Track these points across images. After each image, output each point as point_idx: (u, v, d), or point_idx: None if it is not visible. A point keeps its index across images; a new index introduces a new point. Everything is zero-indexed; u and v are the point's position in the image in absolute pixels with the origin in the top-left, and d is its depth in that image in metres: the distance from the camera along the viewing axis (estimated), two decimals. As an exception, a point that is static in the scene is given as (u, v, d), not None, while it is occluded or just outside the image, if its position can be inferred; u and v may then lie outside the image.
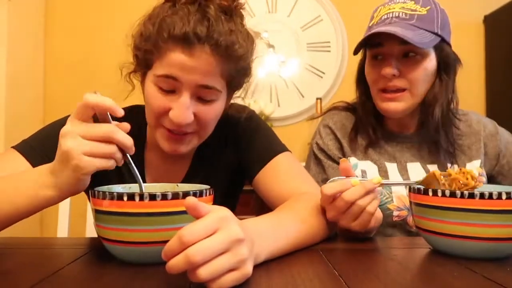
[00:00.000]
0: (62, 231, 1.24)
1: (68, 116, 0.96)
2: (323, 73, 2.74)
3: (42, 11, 2.73)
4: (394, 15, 1.08)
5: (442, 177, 0.79)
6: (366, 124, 1.18)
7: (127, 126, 0.68)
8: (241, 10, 0.90)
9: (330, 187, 0.77)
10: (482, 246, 0.68)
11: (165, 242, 0.63)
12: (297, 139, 2.67)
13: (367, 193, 0.76)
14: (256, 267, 0.60)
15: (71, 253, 0.74)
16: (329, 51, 2.74)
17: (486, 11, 2.85)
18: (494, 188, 0.79)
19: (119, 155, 0.67)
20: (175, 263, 0.51)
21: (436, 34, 1.07)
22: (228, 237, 0.52)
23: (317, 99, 2.60)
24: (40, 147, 0.90)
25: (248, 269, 0.54)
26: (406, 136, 1.19)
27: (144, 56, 0.87)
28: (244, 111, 1.04)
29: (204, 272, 0.50)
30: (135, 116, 0.97)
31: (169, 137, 0.89)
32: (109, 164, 0.66)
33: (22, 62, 2.50)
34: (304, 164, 1.19)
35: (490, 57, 2.80)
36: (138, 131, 0.98)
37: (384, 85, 1.09)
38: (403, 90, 1.09)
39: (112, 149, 0.65)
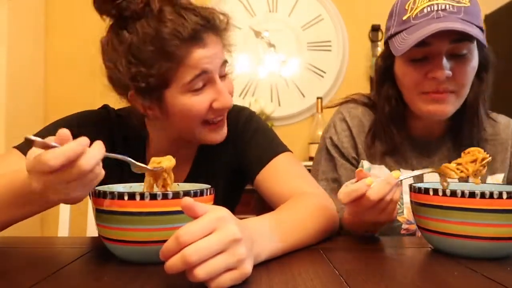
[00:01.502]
0: (63, 230, 1.24)
1: (69, 116, 0.97)
2: (324, 72, 2.73)
3: (42, 10, 2.73)
4: (439, 8, 0.94)
5: (456, 165, 0.79)
6: (388, 131, 1.07)
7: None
8: None
9: (345, 196, 0.74)
10: (482, 246, 0.68)
11: (166, 241, 0.63)
12: (297, 138, 2.67)
13: (392, 189, 0.75)
14: (257, 266, 0.60)
15: (71, 252, 0.74)
16: (329, 50, 2.74)
17: (487, 10, 2.84)
18: (495, 188, 0.79)
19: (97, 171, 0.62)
20: (173, 263, 0.51)
21: (481, 28, 0.95)
22: (225, 237, 0.52)
23: (317, 98, 2.60)
24: None
25: (247, 268, 0.54)
26: (428, 142, 1.09)
27: (157, 78, 0.84)
28: (244, 112, 1.04)
29: (201, 272, 0.50)
30: (135, 119, 0.97)
31: (215, 128, 0.92)
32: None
33: (22, 61, 2.50)
34: (315, 154, 1.15)
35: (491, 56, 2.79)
36: (138, 133, 0.98)
37: (431, 88, 0.97)
38: (451, 91, 0.97)
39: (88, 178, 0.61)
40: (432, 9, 0.94)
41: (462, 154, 0.79)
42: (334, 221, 0.86)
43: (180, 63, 0.83)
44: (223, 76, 0.91)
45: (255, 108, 2.52)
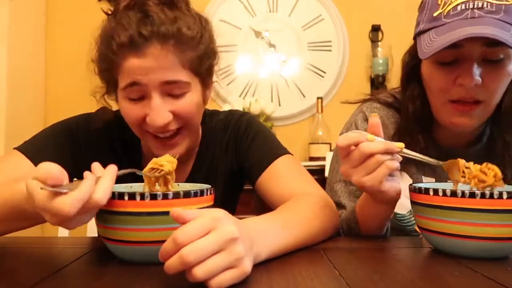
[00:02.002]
0: (63, 230, 1.24)
1: (68, 119, 0.97)
2: (324, 72, 2.73)
3: (43, 10, 2.73)
4: (476, 6, 0.84)
5: (465, 168, 0.76)
6: (412, 134, 0.98)
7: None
8: None
9: (344, 138, 0.73)
10: (483, 246, 0.68)
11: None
12: (298, 138, 2.67)
13: (388, 151, 0.72)
14: (257, 266, 0.60)
15: (72, 252, 0.74)
16: (330, 50, 2.73)
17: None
18: (495, 188, 0.79)
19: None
20: (171, 264, 0.52)
21: None
22: (222, 236, 0.52)
23: (318, 98, 2.60)
24: (44, 148, 0.90)
25: (246, 267, 0.55)
26: (456, 150, 0.99)
27: (108, 76, 0.88)
28: (245, 117, 1.04)
29: (199, 272, 0.50)
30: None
31: (161, 145, 0.89)
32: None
33: (23, 61, 2.50)
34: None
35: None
36: (134, 137, 0.97)
37: (459, 95, 0.88)
38: (479, 102, 0.88)
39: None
40: (468, 6, 0.84)
41: (484, 165, 0.74)
42: (335, 221, 0.86)
43: (117, 69, 0.84)
44: (174, 95, 0.85)
45: (255, 108, 2.52)
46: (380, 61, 2.59)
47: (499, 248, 0.69)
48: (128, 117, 0.87)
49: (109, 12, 0.87)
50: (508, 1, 0.84)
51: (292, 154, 1.00)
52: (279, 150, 0.99)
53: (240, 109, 2.51)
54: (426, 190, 0.72)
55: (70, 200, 0.56)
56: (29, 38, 2.59)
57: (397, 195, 0.79)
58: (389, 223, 0.89)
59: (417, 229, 0.97)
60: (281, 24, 2.76)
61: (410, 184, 0.78)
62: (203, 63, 0.88)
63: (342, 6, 2.73)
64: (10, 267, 0.68)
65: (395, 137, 1.00)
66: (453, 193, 0.68)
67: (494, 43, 0.82)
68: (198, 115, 0.92)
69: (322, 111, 2.56)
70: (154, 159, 0.72)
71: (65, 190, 0.56)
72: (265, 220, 0.71)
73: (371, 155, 0.72)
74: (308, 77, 2.74)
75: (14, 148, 0.89)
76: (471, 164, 0.75)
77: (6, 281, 0.60)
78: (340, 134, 1.09)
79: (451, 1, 0.86)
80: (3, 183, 0.74)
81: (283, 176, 0.94)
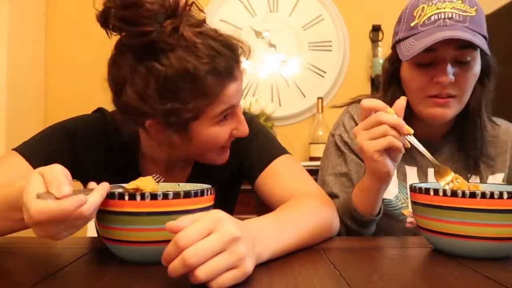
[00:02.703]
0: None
1: (66, 121, 0.97)
2: (325, 72, 2.73)
3: (43, 11, 2.73)
4: (446, 16, 0.98)
5: (456, 179, 0.82)
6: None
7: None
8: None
9: (369, 101, 0.82)
10: (483, 246, 0.68)
11: (167, 241, 0.63)
12: (298, 138, 2.67)
13: (398, 127, 0.79)
14: (257, 266, 0.60)
15: (72, 252, 0.74)
16: (330, 50, 2.73)
17: (487, 10, 2.84)
18: (496, 188, 0.79)
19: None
20: (174, 267, 0.52)
21: (485, 37, 1.00)
22: (223, 237, 0.53)
23: (318, 98, 2.60)
24: (41, 150, 0.90)
25: (247, 266, 0.55)
26: (432, 143, 1.11)
27: (191, 114, 0.83)
28: (245, 116, 1.04)
29: (201, 273, 0.51)
30: (126, 129, 0.97)
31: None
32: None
33: (23, 61, 2.50)
34: (324, 152, 1.15)
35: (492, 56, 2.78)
36: (132, 138, 0.97)
37: (436, 92, 1.01)
38: (453, 96, 1.01)
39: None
40: (440, 17, 0.98)
41: (473, 184, 0.83)
42: (335, 221, 0.86)
43: (215, 98, 0.83)
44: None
45: (255, 108, 2.52)
46: (381, 61, 2.58)
47: (500, 248, 0.69)
48: (219, 140, 0.89)
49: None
50: (471, 13, 0.98)
51: (291, 154, 1.01)
52: (279, 150, 0.99)
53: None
54: (427, 190, 0.72)
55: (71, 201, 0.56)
56: (29, 38, 2.59)
57: (388, 175, 0.85)
58: (381, 205, 0.95)
59: (404, 212, 1.08)
60: (281, 24, 2.75)
61: (411, 184, 0.78)
62: None
63: (342, 6, 2.73)
64: (10, 267, 0.68)
65: None
66: (454, 193, 0.68)
67: (463, 46, 0.96)
68: None
69: (322, 111, 2.56)
70: (141, 179, 0.72)
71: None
72: (266, 220, 0.71)
73: (381, 123, 0.79)
74: (309, 77, 2.74)
75: (12, 149, 0.89)
76: (461, 178, 0.83)
77: (6, 281, 0.60)
78: (329, 134, 1.21)
79: (425, 13, 1.01)
80: (1, 183, 0.74)
81: (282, 176, 0.94)
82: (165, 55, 0.78)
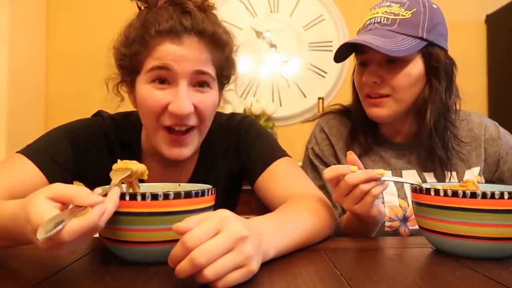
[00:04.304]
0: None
1: (68, 125, 0.97)
2: (325, 72, 2.73)
3: (43, 10, 2.73)
4: (376, 21, 1.05)
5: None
6: (358, 130, 1.15)
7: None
8: (213, 10, 0.94)
9: (329, 171, 0.80)
10: (483, 246, 0.68)
11: (167, 241, 0.63)
12: (299, 138, 2.66)
13: (370, 179, 0.78)
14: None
15: (73, 252, 0.74)
16: (331, 50, 2.73)
17: (488, 10, 2.84)
18: (496, 188, 0.79)
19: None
20: (182, 268, 0.52)
21: (421, 38, 1.03)
22: (231, 236, 0.53)
23: (319, 98, 2.60)
24: (46, 152, 0.90)
25: (253, 265, 0.55)
26: (401, 143, 1.15)
27: (132, 61, 0.89)
28: (246, 120, 1.06)
29: (209, 272, 0.51)
30: (128, 124, 0.99)
31: (171, 140, 0.89)
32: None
33: (23, 61, 2.51)
34: (301, 165, 1.19)
35: (492, 56, 2.79)
36: (133, 139, 0.99)
37: (368, 91, 1.08)
38: (387, 96, 1.06)
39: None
40: (371, 22, 1.07)
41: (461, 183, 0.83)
42: (332, 221, 0.87)
43: (147, 52, 0.86)
44: (200, 87, 0.89)
45: (256, 108, 2.52)
46: (381, 61, 2.58)
47: (500, 248, 0.69)
48: (148, 104, 0.87)
49: (142, 7, 0.91)
50: (405, 16, 1.03)
51: (291, 157, 1.02)
52: (279, 153, 1.00)
53: (241, 109, 2.51)
54: (428, 190, 0.72)
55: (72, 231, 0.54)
56: (30, 38, 2.60)
57: (383, 216, 0.87)
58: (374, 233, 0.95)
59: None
60: (282, 24, 2.76)
61: (411, 184, 0.78)
62: (225, 68, 0.95)
63: (343, 6, 2.73)
64: (12, 267, 0.68)
65: (348, 138, 1.16)
66: (454, 193, 0.68)
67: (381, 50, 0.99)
68: (212, 116, 0.94)
69: (323, 111, 2.56)
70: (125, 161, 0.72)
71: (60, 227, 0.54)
72: (269, 219, 0.71)
73: (356, 185, 0.78)
74: (309, 77, 2.74)
75: (16, 152, 0.89)
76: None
77: (7, 281, 0.60)
78: (305, 148, 1.25)
79: (364, 18, 1.10)
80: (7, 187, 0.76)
81: (281, 178, 0.95)
82: (143, 11, 0.90)
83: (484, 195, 0.66)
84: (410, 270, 0.66)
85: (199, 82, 0.88)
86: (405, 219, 1.09)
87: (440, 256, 0.73)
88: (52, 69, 2.74)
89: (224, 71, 0.95)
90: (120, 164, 0.71)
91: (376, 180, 0.79)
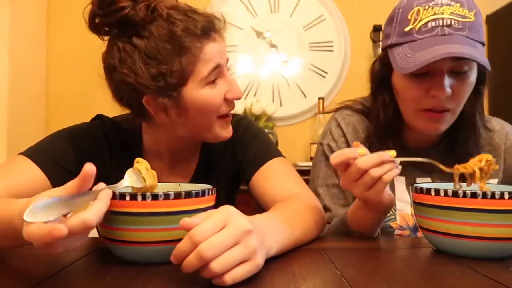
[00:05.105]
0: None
1: (69, 129, 0.97)
2: (326, 72, 2.73)
3: (44, 11, 2.73)
4: (445, 23, 0.90)
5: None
6: (383, 141, 1.04)
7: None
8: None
9: (335, 156, 0.76)
10: (484, 246, 0.68)
11: (167, 241, 0.63)
12: (299, 138, 2.67)
13: (382, 162, 0.74)
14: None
15: (73, 253, 0.74)
16: (331, 50, 2.73)
17: (489, 10, 2.84)
18: (497, 188, 0.79)
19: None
20: (189, 262, 0.52)
21: (483, 43, 0.94)
22: (237, 230, 0.54)
23: (319, 98, 2.60)
24: (48, 153, 0.90)
25: (259, 259, 0.56)
26: (421, 150, 1.06)
27: (177, 76, 0.86)
28: (243, 121, 1.08)
29: (216, 266, 0.52)
30: (130, 126, 0.99)
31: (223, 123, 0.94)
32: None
33: (24, 61, 2.51)
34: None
35: (493, 56, 2.79)
36: (134, 141, 1.00)
37: (431, 106, 0.94)
38: (448, 110, 0.95)
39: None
40: (437, 24, 0.91)
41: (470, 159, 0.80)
42: (323, 220, 0.90)
43: (196, 57, 0.86)
44: (228, 71, 0.94)
45: (256, 108, 2.52)
46: (382, 61, 2.58)
47: (501, 248, 0.69)
48: (214, 102, 0.89)
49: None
50: (471, 18, 0.91)
51: (285, 158, 1.04)
52: (273, 153, 1.02)
53: (242, 109, 2.51)
54: (428, 190, 0.72)
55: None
56: (30, 38, 2.60)
57: (392, 203, 0.84)
58: (380, 226, 0.92)
59: (392, 225, 1.05)
60: (282, 24, 2.75)
61: (412, 184, 0.78)
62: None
63: (343, 6, 2.73)
64: (12, 267, 0.68)
65: (367, 142, 1.06)
66: (455, 193, 0.68)
67: (462, 58, 0.88)
68: None
69: (323, 111, 2.56)
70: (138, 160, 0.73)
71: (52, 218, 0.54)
72: (269, 217, 0.73)
73: (365, 171, 0.74)
74: (310, 77, 2.74)
75: (18, 154, 0.90)
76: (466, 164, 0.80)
77: (7, 281, 0.60)
78: (318, 142, 1.17)
79: (421, 17, 0.92)
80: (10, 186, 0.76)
81: (275, 177, 0.97)
82: (142, 27, 0.86)
83: (484, 195, 0.66)
84: (410, 270, 0.66)
85: (228, 69, 0.94)
86: (415, 229, 1.05)
87: (440, 256, 0.73)
88: (53, 69, 2.74)
89: None
90: (140, 166, 0.72)
91: (388, 162, 0.75)
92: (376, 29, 2.67)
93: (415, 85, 0.95)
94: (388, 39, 0.99)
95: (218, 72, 0.89)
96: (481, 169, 0.78)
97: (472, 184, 0.80)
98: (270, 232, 0.65)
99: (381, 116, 1.05)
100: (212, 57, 0.87)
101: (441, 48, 0.87)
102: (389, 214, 1.04)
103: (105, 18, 0.88)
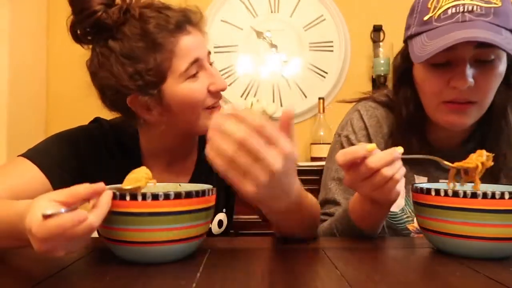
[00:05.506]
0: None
1: (69, 131, 0.98)
2: (326, 72, 2.73)
3: (44, 11, 2.73)
4: (466, 9, 0.84)
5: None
6: (406, 138, 0.97)
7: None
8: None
9: (342, 155, 0.72)
10: (484, 246, 0.68)
11: (167, 241, 0.63)
12: (299, 138, 2.66)
13: (393, 161, 0.71)
14: (258, 267, 0.60)
15: (74, 253, 0.74)
16: (331, 50, 2.73)
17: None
18: (497, 188, 0.79)
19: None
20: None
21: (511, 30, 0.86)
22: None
23: (319, 99, 2.60)
24: (49, 155, 0.91)
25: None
26: (448, 150, 0.98)
27: (154, 73, 0.87)
28: None
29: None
30: (127, 127, 1.00)
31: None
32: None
33: (24, 61, 2.50)
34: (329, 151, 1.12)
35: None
36: (131, 142, 1.00)
37: (452, 97, 0.88)
38: (473, 102, 0.89)
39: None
40: (458, 10, 0.85)
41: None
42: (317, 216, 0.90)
43: (172, 53, 0.87)
44: (211, 64, 0.94)
45: (257, 108, 2.52)
46: (382, 61, 2.58)
47: (501, 249, 0.69)
48: (196, 96, 0.90)
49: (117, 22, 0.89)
50: (497, 4, 0.85)
51: None
52: None
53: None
54: (428, 190, 0.72)
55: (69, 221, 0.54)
56: (30, 38, 2.59)
57: (397, 198, 0.79)
58: (384, 221, 0.89)
59: (409, 227, 1.01)
60: (282, 24, 2.75)
61: (412, 185, 0.78)
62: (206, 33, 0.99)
63: (343, 6, 2.73)
64: (12, 267, 0.68)
65: (390, 139, 1.01)
66: (455, 194, 0.68)
67: (485, 44, 0.82)
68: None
69: (323, 111, 2.56)
70: (134, 171, 0.71)
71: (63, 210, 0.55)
72: None
73: (376, 170, 0.70)
74: (310, 77, 2.74)
75: (18, 156, 0.90)
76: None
77: (8, 281, 0.60)
78: (336, 133, 1.10)
79: (441, 5, 0.87)
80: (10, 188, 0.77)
81: None
82: (117, 30, 0.87)
83: (484, 195, 0.66)
84: (410, 270, 0.66)
85: (210, 63, 0.94)
86: None
87: (440, 256, 0.72)
88: (53, 70, 2.73)
89: None
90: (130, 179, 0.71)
91: (398, 159, 0.71)
92: (376, 29, 2.66)
93: (436, 76, 0.89)
94: (408, 30, 0.94)
95: (198, 65, 0.89)
96: (482, 164, 0.77)
97: (465, 184, 0.79)
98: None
99: (403, 111, 0.99)
100: (188, 51, 0.87)
101: (458, 34, 0.82)
102: (406, 216, 1.01)
103: (81, 25, 0.91)
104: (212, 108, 0.93)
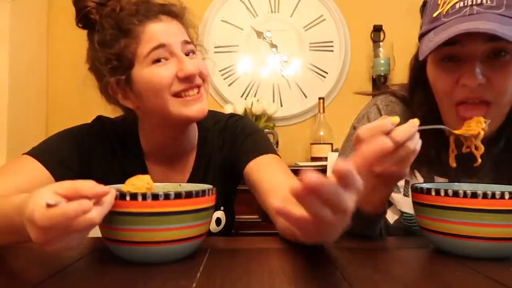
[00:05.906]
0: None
1: (71, 130, 0.99)
2: (326, 72, 2.73)
3: (44, 11, 2.73)
4: (475, 2, 0.80)
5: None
6: (428, 144, 0.80)
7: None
8: None
9: (366, 130, 0.65)
10: (485, 246, 0.68)
11: (168, 241, 0.63)
12: (299, 139, 2.66)
13: (415, 133, 0.66)
14: (258, 267, 0.60)
15: (74, 253, 0.74)
16: (332, 50, 2.73)
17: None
18: (497, 188, 0.79)
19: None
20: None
21: None
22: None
23: (319, 99, 2.60)
24: (53, 153, 0.92)
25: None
26: (470, 157, 0.84)
27: (121, 58, 0.90)
28: (242, 120, 1.08)
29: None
30: (128, 126, 1.01)
31: (184, 102, 0.93)
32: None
33: (24, 61, 2.50)
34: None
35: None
36: (132, 140, 1.01)
37: (462, 95, 0.83)
38: (488, 103, 0.83)
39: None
40: (466, 3, 0.81)
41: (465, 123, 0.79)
42: None
43: (138, 38, 0.89)
44: (188, 54, 0.94)
45: (257, 108, 2.51)
46: (382, 61, 2.58)
47: (502, 248, 0.69)
48: (160, 79, 0.90)
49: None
50: None
51: (280, 156, 1.03)
52: (270, 149, 1.01)
53: (242, 109, 2.51)
54: (428, 190, 0.72)
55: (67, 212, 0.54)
56: (30, 38, 2.59)
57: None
58: (387, 205, 0.85)
59: None
60: (282, 24, 2.75)
61: (412, 184, 0.78)
62: (191, 26, 1.01)
63: (343, 6, 2.73)
64: (13, 267, 0.68)
65: None
66: (455, 193, 0.68)
67: (496, 39, 0.77)
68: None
69: (324, 111, 2.56)
70: (137, 177, 0.71)
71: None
72: None
73: (401, 143, 0.65)
74: (310, 77, 2.74)
75: (23, 154, 0.91)
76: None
77: (8, 281, 0.60)
78: (351, 126, 1.07)
79: (449, 0, 0.84)
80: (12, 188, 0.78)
81: (271, 166, 0.96)
82: (100, 24, 0.92)
83: (484, 195, 0.66)
84: (411, 270, 0.66)
85: (186, 52, 0.93)
86: None
87: (440, 256, 0.72)
88: (53, 70, 2.73)
89: (194, 41, 1.01)
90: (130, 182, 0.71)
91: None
92: (376, 29, 2.66)
93: (446, 74, 0.85)
94: (420, 29, 0.91)
95: (165, 52, 0.90)
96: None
97: (464, 183, 0.80)
98: None
99: (417, 114, 0.90)
100: (153, 37, 0.89)
101: (460, 26, 0.78)
102: None
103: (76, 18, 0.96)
104: (185, 96, 0.92)
